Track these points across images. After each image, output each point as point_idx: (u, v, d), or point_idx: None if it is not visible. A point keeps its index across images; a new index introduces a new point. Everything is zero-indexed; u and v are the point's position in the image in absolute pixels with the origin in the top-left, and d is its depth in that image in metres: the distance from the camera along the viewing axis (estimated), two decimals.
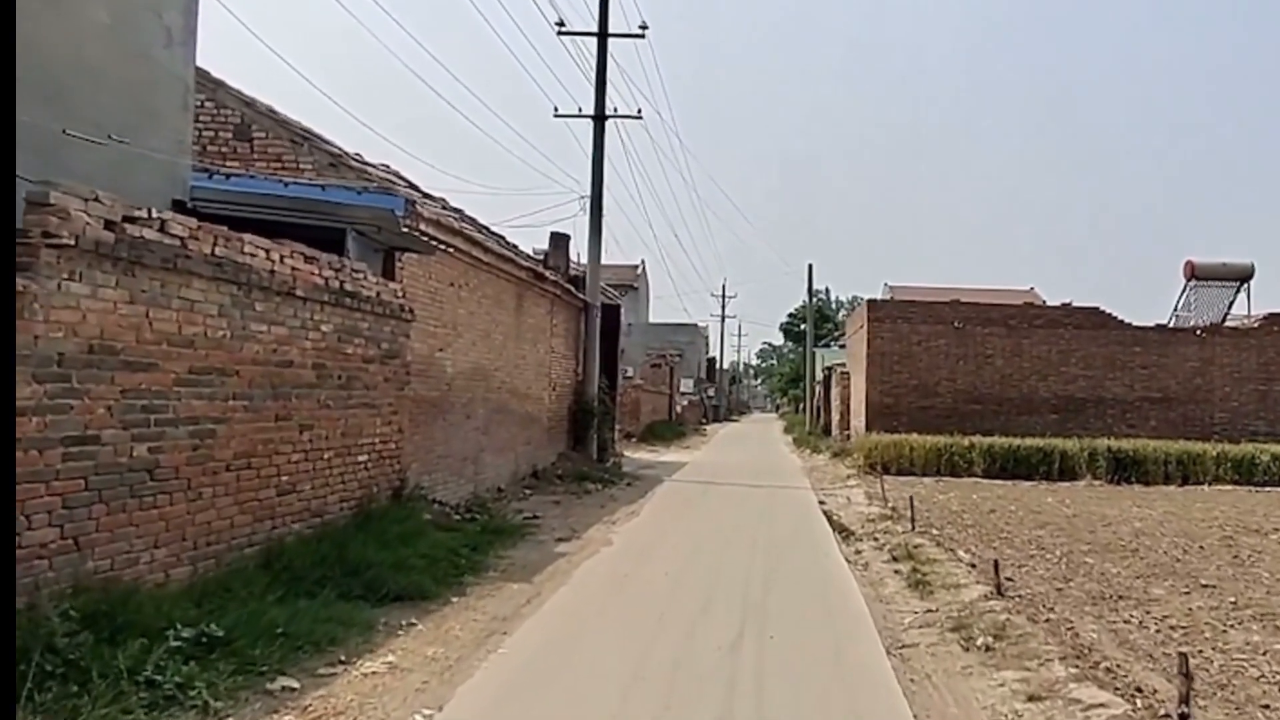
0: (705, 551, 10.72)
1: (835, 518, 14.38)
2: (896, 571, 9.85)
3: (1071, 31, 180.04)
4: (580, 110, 20.90)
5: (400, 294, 10.11)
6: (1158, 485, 21.32)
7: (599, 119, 20.63)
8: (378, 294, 9.39)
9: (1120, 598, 8.81)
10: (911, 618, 7.90)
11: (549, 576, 8.96)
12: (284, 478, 7.66)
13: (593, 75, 20.63)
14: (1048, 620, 7.64)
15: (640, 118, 21.22)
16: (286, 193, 9.10)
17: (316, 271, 8.02)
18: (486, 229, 16.75)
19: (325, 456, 8.38)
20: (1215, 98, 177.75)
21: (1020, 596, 8.49)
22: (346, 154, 11.05)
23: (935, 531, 12.67)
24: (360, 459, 9.18)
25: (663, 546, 10.98)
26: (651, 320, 68.43)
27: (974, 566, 9.99)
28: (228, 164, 10.86)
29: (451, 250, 12.03)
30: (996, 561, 8.32)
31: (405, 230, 9.58)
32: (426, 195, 15.51)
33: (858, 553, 11.29)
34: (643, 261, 66.54)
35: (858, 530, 13.01)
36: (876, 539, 12.16)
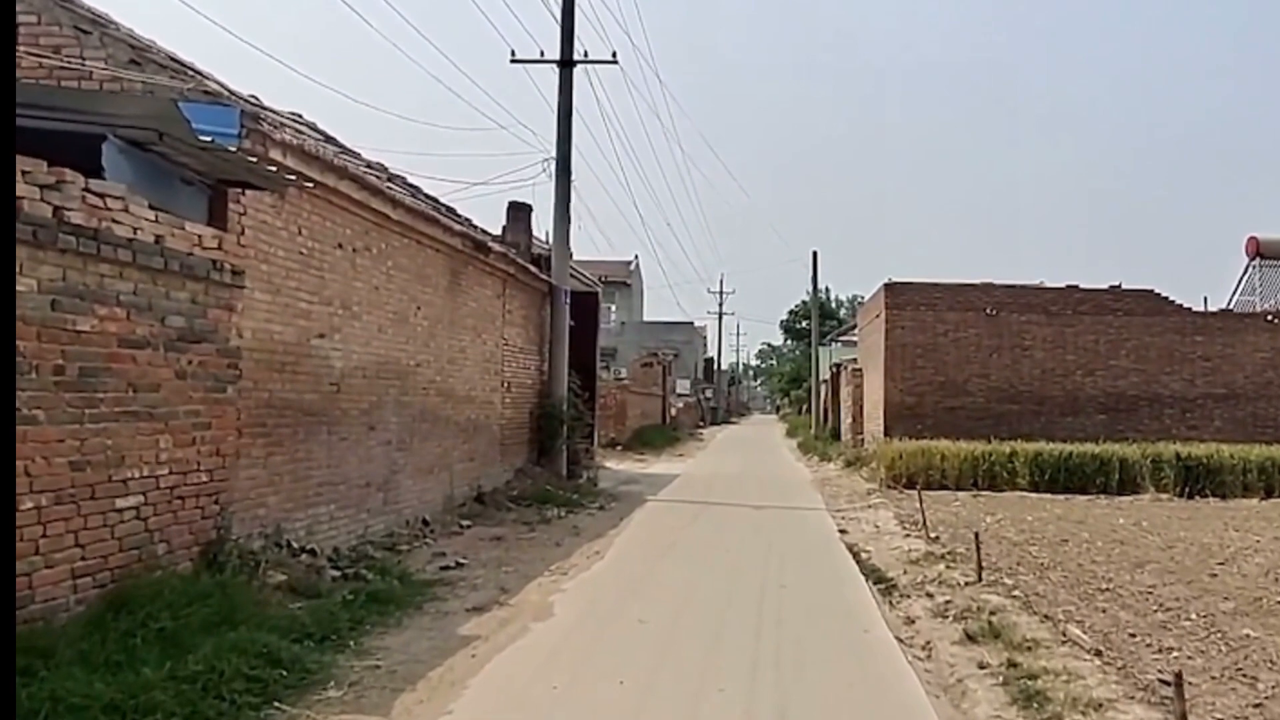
0: (687, 628, 7.22)
1: (864, 556, 10.90)
2: (981, 666, 6.32)
3: (1071, 18, 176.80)
4: (543, 54, 17.39)
5: (216, 244, 6.61)
6: (1235, 498, 17.88)
7: (565, 64, 17.11)
8: (156, 239, 5.89)
9: None
10: None
11: (426, 695, 5.46)
12: None
13: (558, 12, 17.13)
14: None
15: (615, 63, 17.72)
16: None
17: None
18: (411, 185, 13.29)
19: (25, 506, 4.86)
20: (1220, 68, 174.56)
21: None
22: (155, 48, 7.54)
23: (1007, 580, 9.20)
24: (123, 505, 5.68)
25: (625, 618, 7.47)
26: (646, 318, 65.03)
27: (1100, 654, 6.51)
28: None
29: (315, 186, 8.49)
30: (1180, 678, 4.80)
31: (208, 146, 6.08)
32: (345, 149, 12.10)
33: (909, 621, 7.79)
34: (636, 257, 63.31)
35: (900, 578, 9.52)
36: (930, 594, 8.67)
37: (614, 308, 58.36)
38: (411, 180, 14.06)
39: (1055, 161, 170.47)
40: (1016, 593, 8.63)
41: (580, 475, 17.37)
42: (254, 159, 6.74)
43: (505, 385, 15.03)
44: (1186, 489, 18.03)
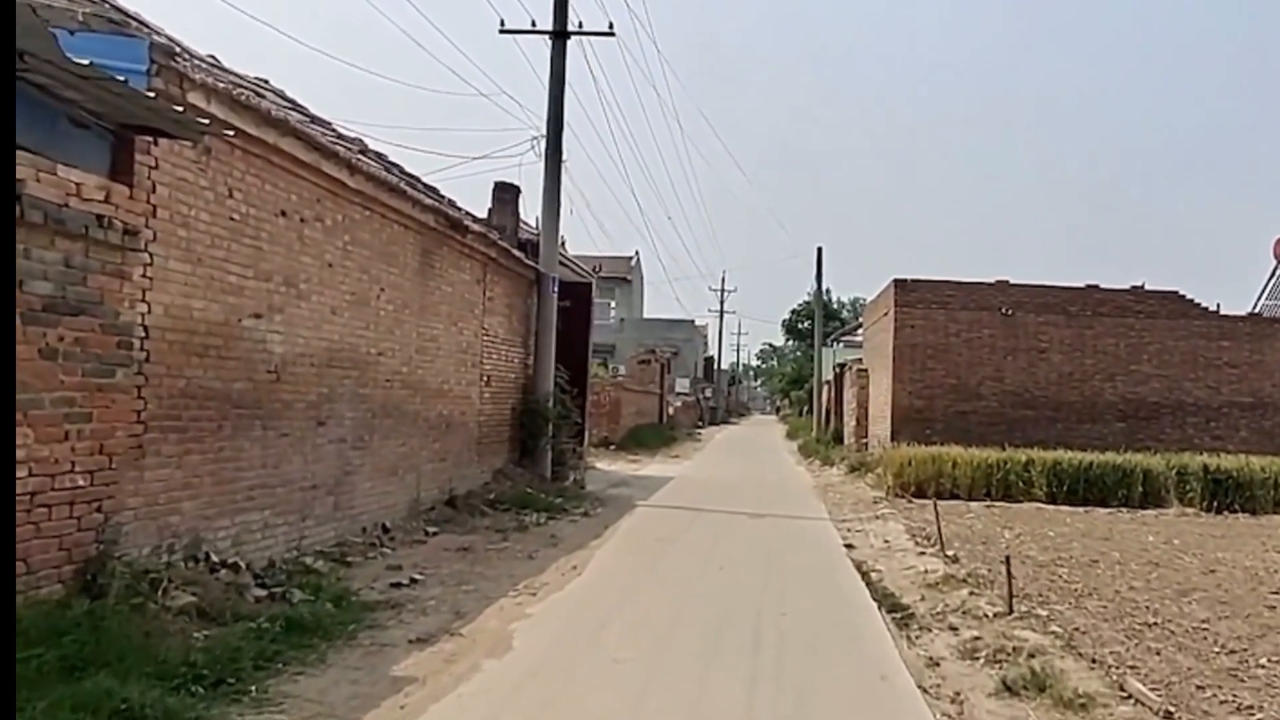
0: (669, 670, 6.03)
1: (874, 576, 9.73)
2: None
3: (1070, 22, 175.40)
4: (535, 25, 16.18)
5: (102, 196, 5.44)
6: (1266, 514, 16.70)
7: (559, 35, 15.92)
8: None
9: None
10: None
11: None
12: None
13: None
14: None
15: (612, 34, 16.47)
16: None
17: None
18: (391, 162, 12.16)
19: None
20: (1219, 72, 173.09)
21: None
22: None
23: (1041, 611, 8.03)
24: None
25: (597, 655, 6.29)
26: (646, 315, 63.83)
27: (1170, 717, 5.34)
28: None
29: (252, 143, 7.32)
30: None
31: (88, 73, 4.89)
32: (315, 117, 11.01)
33: (933, 663, 6.59)
34: (637, 253, 62.10)
35: (917, 605, 8.34)
36: (954, 628, 7.49)
37: (614, 304, 57.22)
38: (394, 159, 12.95)
39: (1067, 162, 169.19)
40: (1054, 627, 7.46)
41: (566, 477, 16.19)
42: (154, 95, 5.55)
43: (484, 379, 13.85)
44: (1214, 503, 16.87)
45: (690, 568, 9.71)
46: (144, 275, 6.25)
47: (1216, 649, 7.14)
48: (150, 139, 6.27)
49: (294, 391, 8.37)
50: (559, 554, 10.05)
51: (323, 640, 6.05)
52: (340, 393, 9.26)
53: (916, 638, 7.25)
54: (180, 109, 5.66)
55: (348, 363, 9.40)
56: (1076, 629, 7.50)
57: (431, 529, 10.90)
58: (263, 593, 6.91)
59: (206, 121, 5.95)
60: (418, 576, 8.39)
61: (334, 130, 11.85)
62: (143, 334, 6.25)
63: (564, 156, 15.84)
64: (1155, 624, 7.87)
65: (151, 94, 5.50)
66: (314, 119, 11.29)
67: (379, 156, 12.72)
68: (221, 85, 6.81)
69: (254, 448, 7.75)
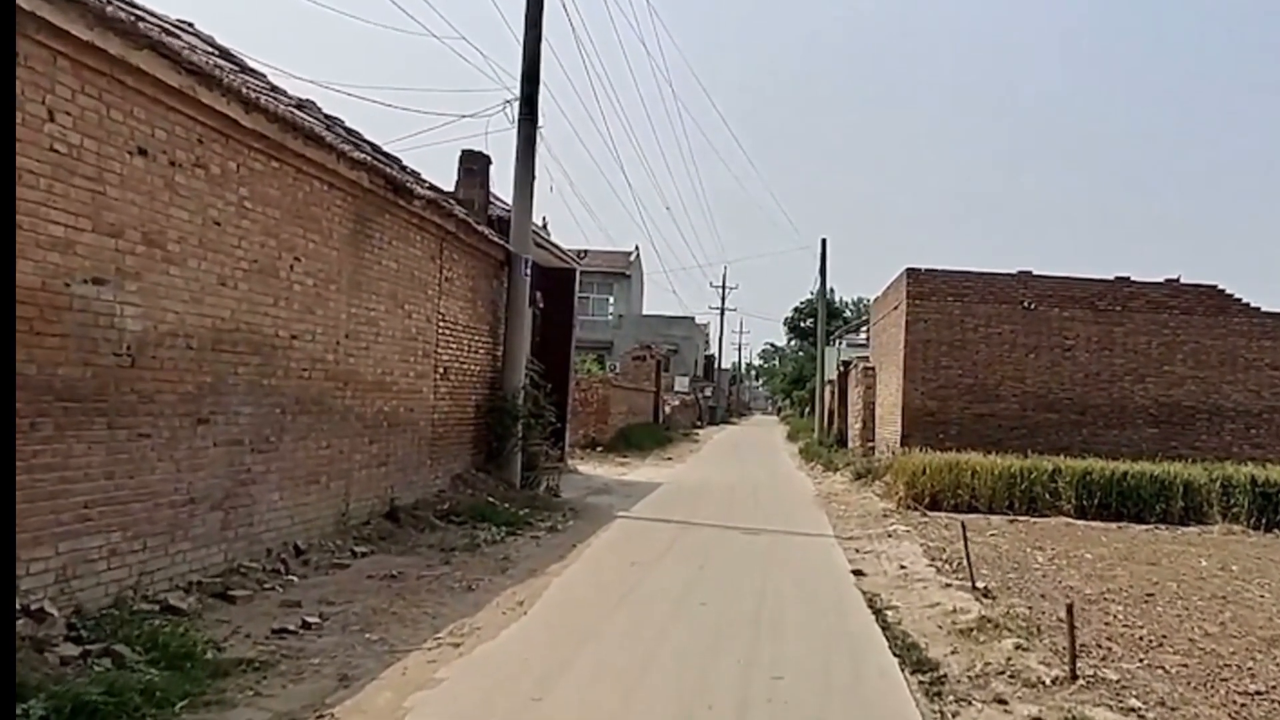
0: None
1: (890, 615, 7.92)
2: None
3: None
4: None
5: None
6: None
7: None
8: None
9: None
10: None
11: None
12: None
13: None
14: None
15: None
16: None
17: None
18: (350, 129, 10.43)
19: None
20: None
21: None
22: None
23: (1109, 673, 6.24)
24: None
25: None
26: (646, 312, 61.98)
27: None
28: None
29: (89, 54, 5.53)
30: None
31: None
32: (248, 68, 9.38)
33: None
34: (636, 248, 60.27)
35: (949, 661, 6.53)
36: (1003, 700, 5.69)
37: (612, 299, 55.45)
38: (354, 130, 11.18)
39: (1087, 157, 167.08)
40: (1133, 700, 5.69)
41: (538, 484, 14.37)
42: None
43: (440, 371, 12.04)
44: (1263, 520, 15.08)
45: (666, 604, 7.90)
46: None
47: None
48: None
49: (160, 380, 6.58)
50: (507, 583, 8.26)
51: None
52: (233, 383, 7.47)
53: (955, 716, 5.45)
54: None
55: (245, 346, 7.61)
56: (1161, 702, 5.72)
57: (361, 549, 9.11)
58: (75, 651, 5.13)
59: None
60: (315, 619, 6.59)
61: (269, 82, 10.12)
62: None
63: (540, 122, 14.06)
64: (1259, 693, 6.10)
65: None
66: (245, 69, 9.57)
67: (330, 119, 10.98)
68: None
69: (94, 453, 5.96)
